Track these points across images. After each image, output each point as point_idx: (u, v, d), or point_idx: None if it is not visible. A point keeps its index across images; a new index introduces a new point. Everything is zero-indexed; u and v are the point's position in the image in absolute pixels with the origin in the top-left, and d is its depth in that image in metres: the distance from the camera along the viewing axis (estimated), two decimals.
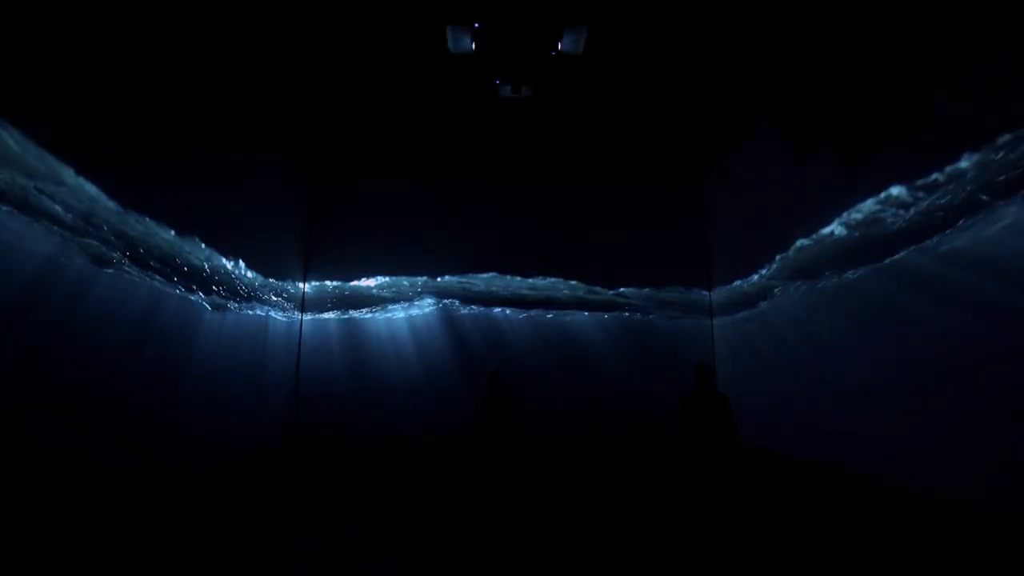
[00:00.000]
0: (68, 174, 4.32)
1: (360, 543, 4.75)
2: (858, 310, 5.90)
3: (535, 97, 7.02)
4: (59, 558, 4.03)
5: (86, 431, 4.52)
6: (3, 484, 3.71)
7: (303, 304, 10.02)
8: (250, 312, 7.71)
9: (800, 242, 7.07)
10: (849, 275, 6.07)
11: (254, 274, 7.90)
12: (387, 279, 10.28)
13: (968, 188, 4.49)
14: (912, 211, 5.12)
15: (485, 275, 10.34)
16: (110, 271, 4.83)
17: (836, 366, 6.28)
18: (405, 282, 10.30)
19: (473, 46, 5.88)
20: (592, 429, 9.71)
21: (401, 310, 10.19)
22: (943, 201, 4.75)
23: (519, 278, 10.32)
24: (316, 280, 10.22)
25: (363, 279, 10.28)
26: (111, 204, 4.84)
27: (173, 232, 5.78)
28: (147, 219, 5.37)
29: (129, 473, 5.09)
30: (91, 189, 4.56)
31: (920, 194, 5.01)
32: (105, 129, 4.76)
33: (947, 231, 4.72)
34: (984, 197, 4.34)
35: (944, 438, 4.73)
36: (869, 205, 5.70)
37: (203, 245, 6.42)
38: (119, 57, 4.90)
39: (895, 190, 5.32)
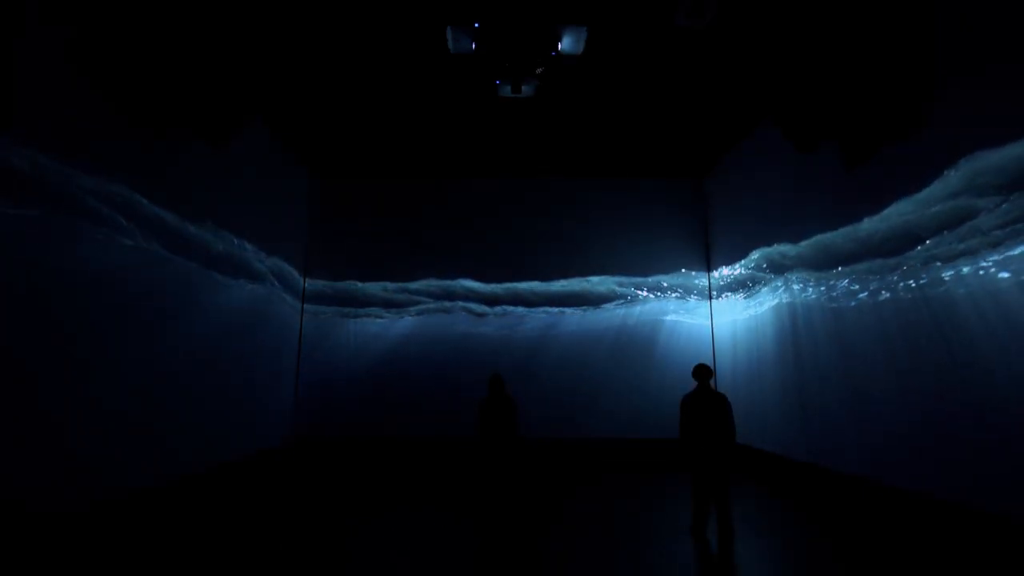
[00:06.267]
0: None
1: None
2: (853, 317, 5.91)
3: (538, 98, 7.00)
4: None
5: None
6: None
7: (303, 301, 10.01)
8: (253, 305, 7.71)
9: (800, 244, 7.08)
10: (843, 281, 6.08)
11: (260, 258, 7.95)
12: (386, 282, 10.27)
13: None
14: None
15: (488, 274, 10.33)
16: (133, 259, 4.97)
17: (832, 369, 6.29)
18: (404, 283, 10.29)
19: (473, 46, 5.86)
20: (595, 430, 9.70)
21: (401, 310, 10.18)
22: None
23: (523, 278, 10.31)
24: (316, 279, 10.21)
25: (363, 279, 10.28)
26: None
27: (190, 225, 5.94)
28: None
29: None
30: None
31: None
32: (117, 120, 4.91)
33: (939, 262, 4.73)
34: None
35: (935, 440, 4.75)
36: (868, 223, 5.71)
37: (216, 230, 6.65)
38: (131, 55, 4.90)
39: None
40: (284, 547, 4.64)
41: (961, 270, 4.58)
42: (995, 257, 4.25)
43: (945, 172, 4.74)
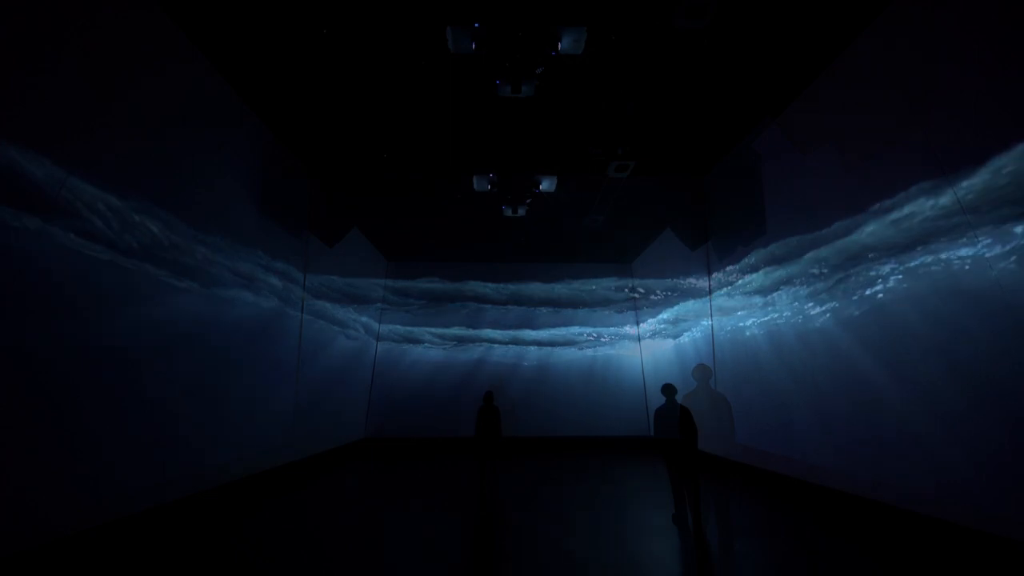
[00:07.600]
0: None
1: None
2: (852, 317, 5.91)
3: (538, 97, 6.99)
4: None
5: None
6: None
7: (303, 301, 10.00)
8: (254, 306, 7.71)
9: (800, 244, 7.07)
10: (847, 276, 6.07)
11: (263, 260, 7.97)
12: (386, 280, 10.27)
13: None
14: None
15: (488, 275, 10.34)
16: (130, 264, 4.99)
17: (833, 368, 6.29)
18: (404, 283, 10.30)
19: (473, 46, 5.85)
20: (595, 429, 9.72)
21: (401, 310, 10.19)
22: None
23: (524, 279, 10.32)
24: (316, 280, 10.22)
25: (363, 279, 10.28)
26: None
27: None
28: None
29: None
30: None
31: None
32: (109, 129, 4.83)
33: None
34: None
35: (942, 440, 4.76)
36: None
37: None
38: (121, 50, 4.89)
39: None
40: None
41: (951, 266, 4.65)
42: (987, 244, 4.28)
43: (943, 175, 4.75)
